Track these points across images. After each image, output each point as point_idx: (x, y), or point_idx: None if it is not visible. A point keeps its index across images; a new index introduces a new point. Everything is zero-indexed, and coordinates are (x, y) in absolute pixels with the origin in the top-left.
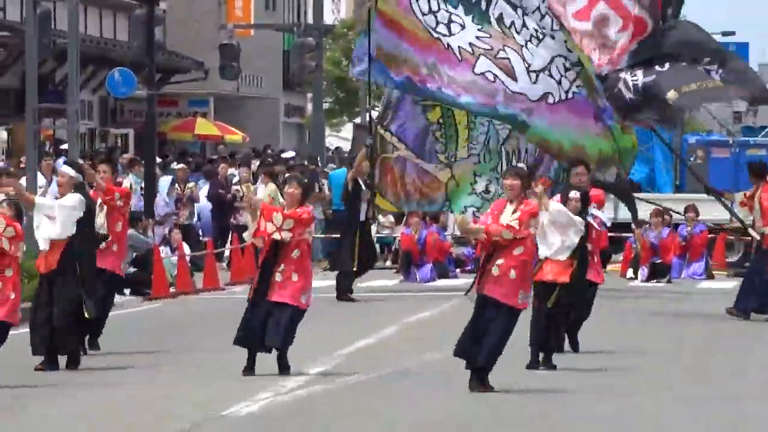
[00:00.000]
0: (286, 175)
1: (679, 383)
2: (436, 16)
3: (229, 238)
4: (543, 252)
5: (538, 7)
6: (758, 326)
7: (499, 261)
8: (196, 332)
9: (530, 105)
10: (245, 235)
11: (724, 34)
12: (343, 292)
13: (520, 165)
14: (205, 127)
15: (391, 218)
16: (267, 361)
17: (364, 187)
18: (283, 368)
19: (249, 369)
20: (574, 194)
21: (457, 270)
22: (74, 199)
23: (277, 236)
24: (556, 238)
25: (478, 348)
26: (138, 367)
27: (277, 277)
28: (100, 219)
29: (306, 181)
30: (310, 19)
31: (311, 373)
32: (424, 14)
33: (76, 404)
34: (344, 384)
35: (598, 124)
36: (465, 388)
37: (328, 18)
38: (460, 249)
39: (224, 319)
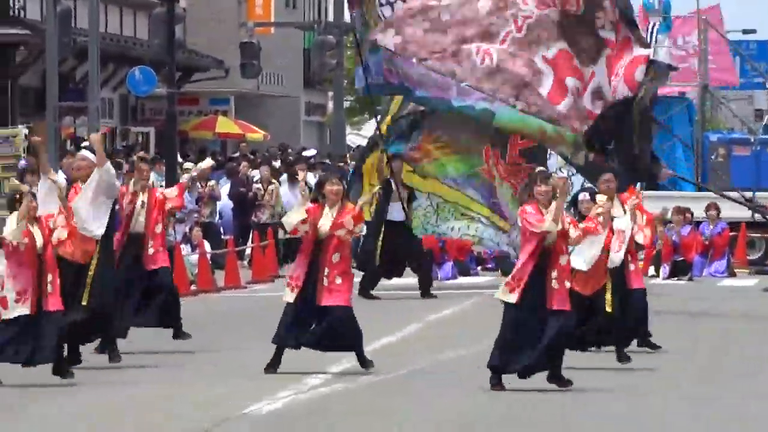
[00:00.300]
0: (321, 173)
1: (691, 383)
2: (392, 6)
3: (251, 236)
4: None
5: None
6: None
7: (554, 274)
8: (216, 330)
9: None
10: (287, 221)
11: (745, 32)
12: (365, 290)
13: (541, 169)
14: (226, 125)
15: None
16: (288, 359)
17: (395, 189)
18: (365, 364)
19: (273, 366)
20: (583, 195)
21: (478, 268)
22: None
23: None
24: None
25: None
26: (160, 366)
27: (324, 281)
28: (141, 217)
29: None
30: (330, 17)
31: (333, 372)
32: (381, 5)
33: (96, 401)
34: (364, 383)
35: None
36: (480, 387)
37: (349, 16)
38: (480, 247)
39: (245, 318)
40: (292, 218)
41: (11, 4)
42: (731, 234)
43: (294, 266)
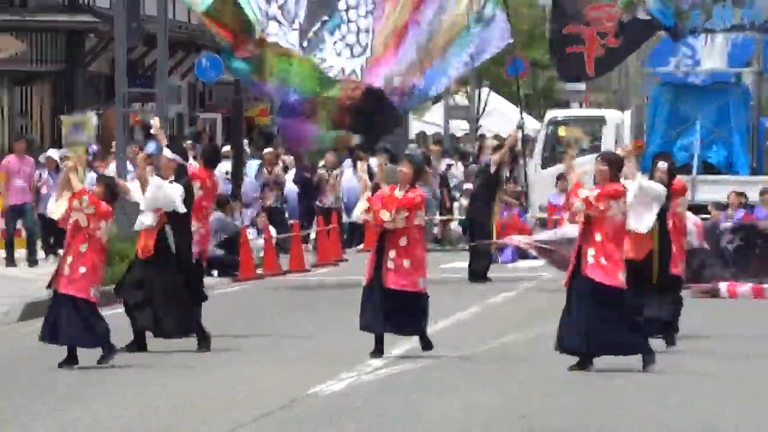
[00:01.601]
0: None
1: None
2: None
3: (315, 221)
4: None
5: None
6: None
7: (591, 251)
8: (282, 314)
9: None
10: (354, 214)
11: None
12: (476, 274)
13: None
14: None
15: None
16: (353, 342)
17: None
18: (427, 346)
19: (377, 352)
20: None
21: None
22: (179, 190)
23: (390, 225)
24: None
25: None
26: (231, 350)
27: (389, 264)
28: None
29: (418, 161)
30: None
31: (394, 354)
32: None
33: (165, 388)
34: (426, 364)
35: None
36: (528, 372)
37: None
38: (541, 231)
39: (310, 300)
40: (357, 210)
41: None
42: None
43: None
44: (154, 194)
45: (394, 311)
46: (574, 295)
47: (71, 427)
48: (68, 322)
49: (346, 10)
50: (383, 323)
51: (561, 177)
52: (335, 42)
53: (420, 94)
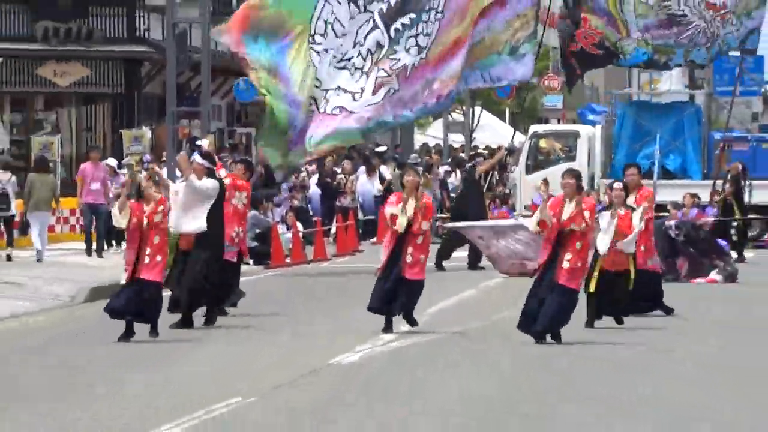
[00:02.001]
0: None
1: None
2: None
3: (335, 218)
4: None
5: None
6: None
7: (568, 256)
8: (306, 297)
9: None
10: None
11: (743, 51)
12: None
13: (574, 165)
14: None
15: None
16: (366, 319)
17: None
18: (413, 323)
19: (387, 328)
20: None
21: None
22: (211, 185)
23: (416, 226)
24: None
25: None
26: (258, 328)
27: (408, 258)
28: None
29: (420, 169)
30: None
31: (403, 330)
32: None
33: (209, 357)
34: (427, 340)
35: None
36: (517, 348)
37: None
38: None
39: (330, 286)
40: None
41: (137, 27)
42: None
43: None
44: (192, 189)
45: (399, 296)
46: (545, 290)
47: (71, 427)
48: (137, 302)
49: (428, 11)
50: (390, 306)
51: (544, 181)
52: (409, 37)
53: (449, 100)
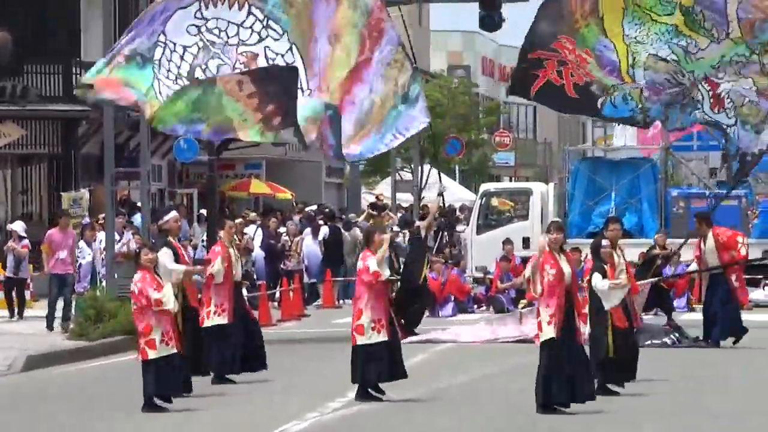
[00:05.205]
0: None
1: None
2: None
3: (279, 282)
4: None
5: None
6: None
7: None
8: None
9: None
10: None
11: None
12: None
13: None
14: (258, 186)
15: None
16: (308, 383)
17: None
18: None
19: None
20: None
21: (475, 306)
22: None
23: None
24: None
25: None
26: (202, 395)
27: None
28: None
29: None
30: None
31: (349, 396)
32: None
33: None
34: (379, 405)
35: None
36: (487, 409)
37: None
38: (477, 289)
39: (274, 351)
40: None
41: (74, 84)
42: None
43: (373, 310)
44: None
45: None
46: (564, 354)
47: None
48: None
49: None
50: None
51: (506, 242)
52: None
53: (356, 158)
